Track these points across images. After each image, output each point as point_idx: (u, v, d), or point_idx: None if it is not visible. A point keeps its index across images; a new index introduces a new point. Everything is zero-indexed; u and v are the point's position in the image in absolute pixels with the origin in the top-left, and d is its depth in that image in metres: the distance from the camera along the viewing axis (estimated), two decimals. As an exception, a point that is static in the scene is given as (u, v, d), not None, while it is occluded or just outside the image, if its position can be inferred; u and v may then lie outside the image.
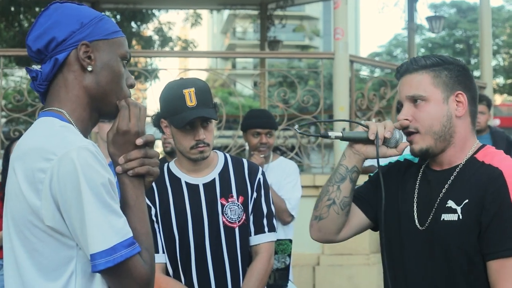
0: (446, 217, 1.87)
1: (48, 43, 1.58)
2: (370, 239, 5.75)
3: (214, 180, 2.61)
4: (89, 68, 1.58)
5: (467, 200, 1.84)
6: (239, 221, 2.59)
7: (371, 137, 1.96)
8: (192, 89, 2.46)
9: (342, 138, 2.03)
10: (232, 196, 2.60)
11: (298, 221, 4.24)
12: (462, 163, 1.93)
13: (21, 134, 5.92)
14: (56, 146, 1.45)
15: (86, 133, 1.61)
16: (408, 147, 1.99)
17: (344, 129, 5.48)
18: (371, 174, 2.17)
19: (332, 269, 5.71)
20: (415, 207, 1.97)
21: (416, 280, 1.93)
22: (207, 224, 2.55)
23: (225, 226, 2.57)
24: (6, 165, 4.25)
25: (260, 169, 2.73)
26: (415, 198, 1.98)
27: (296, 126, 2.07)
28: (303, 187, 4.21)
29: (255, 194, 2.65)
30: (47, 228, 1.46)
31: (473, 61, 31.20)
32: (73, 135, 1.50)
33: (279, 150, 6.65)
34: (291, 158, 5.48)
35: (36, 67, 1.69)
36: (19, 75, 14.95)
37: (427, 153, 1.95)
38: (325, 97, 7.14)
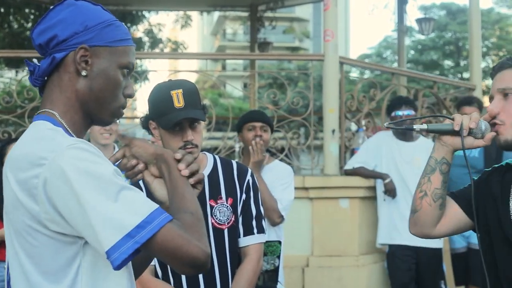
0: None
1: (50, 40, 1.56)
2: (360, 240, 5.75)
3: (203, 181, 2.60)
4: (83, 73, 1.55)
5: None
6: (228, 223, 2.59)
7: (456, 128, 2.00)
8: (180, 90, 2.46)
9: (427, 130, 2.08)
10: (221, 198, 2.60)
11: (287, 223, 4.23)
12: None
13: (10, 136, 5.90)
14: (45, 150, 1.44)
15: (79, 135, 1.59)
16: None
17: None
18: (475, 178, 2.17)
19: (321, 271, 5.70)
20: (510, 208, 1.98)
21: None
22: (196, 226, 2.54)
23: (214, 227, 2.57)
24: (0, 167, 4.17)
25: (249, 170, 2.74)
26: (511, 199, 1.99)
27: (387, 123, 2.12)
28: (292, 188, 4.19)
29: (244, 196, 2.65)
30: (50, 232, 1.44)
31: (462, 63, 31.35)
32: (61, 137, 1.48)
33: (269, 152, 6.64)
34: (281, 160, 5.48)
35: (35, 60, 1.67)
36: (9, 76, 14.84)
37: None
38: (314, 99, 7.14)
